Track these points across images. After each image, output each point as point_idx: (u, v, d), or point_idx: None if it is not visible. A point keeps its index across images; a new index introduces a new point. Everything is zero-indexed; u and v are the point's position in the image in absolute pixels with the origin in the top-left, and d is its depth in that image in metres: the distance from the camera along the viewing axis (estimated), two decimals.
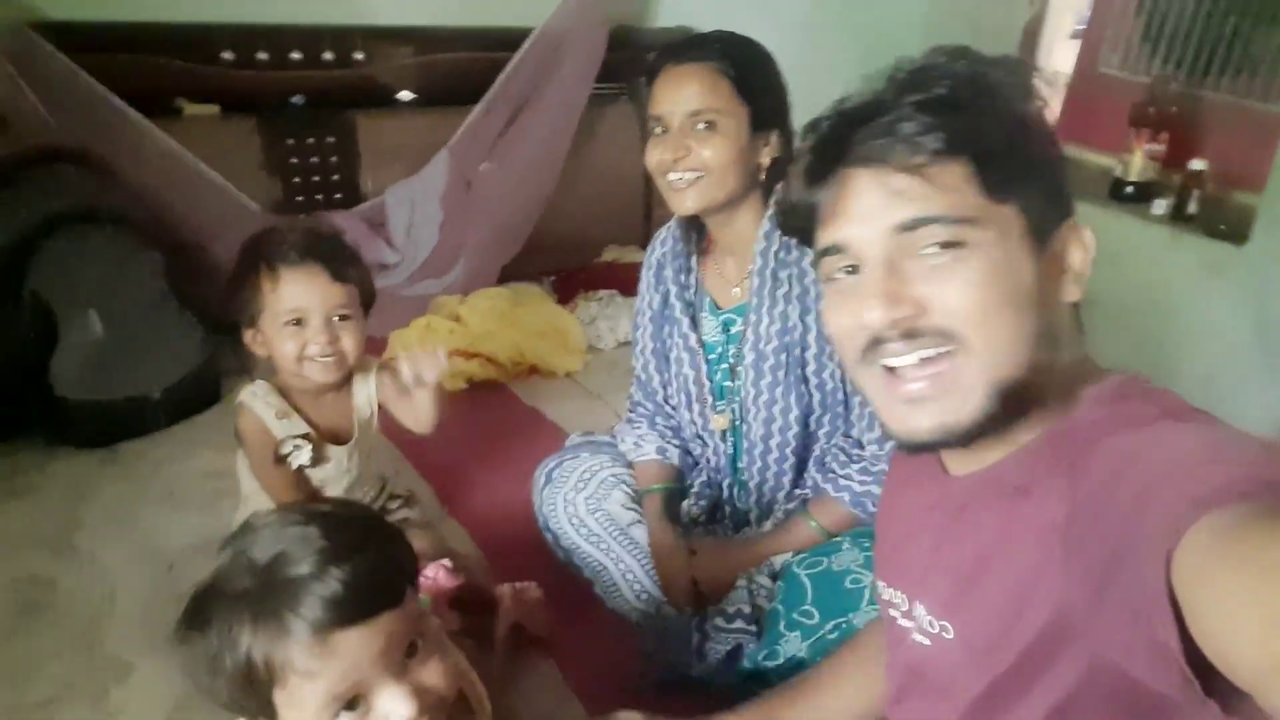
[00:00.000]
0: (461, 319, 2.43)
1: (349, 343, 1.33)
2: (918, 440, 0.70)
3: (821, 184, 0.71)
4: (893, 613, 0.83)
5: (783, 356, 1.34)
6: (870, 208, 0.68)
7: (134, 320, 1.98)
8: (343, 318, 1.32)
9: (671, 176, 1.29)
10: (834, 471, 1.35)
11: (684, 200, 1.30)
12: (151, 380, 1.99)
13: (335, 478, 1.43)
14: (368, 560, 0.70)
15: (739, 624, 1.29)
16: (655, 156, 1.30)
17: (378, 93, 2.78)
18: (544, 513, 1.54)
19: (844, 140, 0.69)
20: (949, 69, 0.68)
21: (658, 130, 1.30)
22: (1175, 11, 2.43)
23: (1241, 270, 2.01)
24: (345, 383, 1.42)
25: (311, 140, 2.63)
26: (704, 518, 1.50)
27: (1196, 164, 2.19)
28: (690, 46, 1.29)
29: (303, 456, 1.36)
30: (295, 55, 2.56)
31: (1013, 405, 0.67)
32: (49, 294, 1.88)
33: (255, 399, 1.35)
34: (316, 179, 2.66)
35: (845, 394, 1.36)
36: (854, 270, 0.71)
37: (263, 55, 2.52)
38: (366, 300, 1.38)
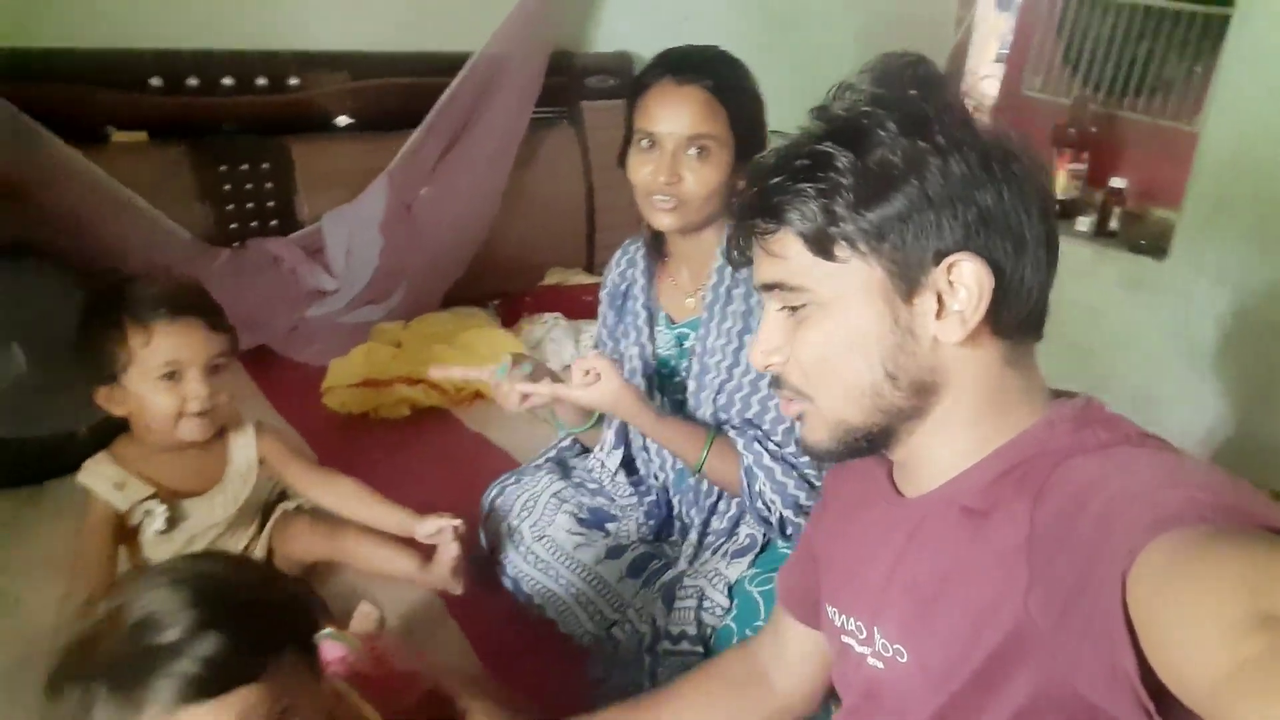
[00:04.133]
0: (403, 345, 2.41)
1: (223, 398, 1.31)
2: (809, 452, 0.78)
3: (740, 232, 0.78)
4: (846, 639, 0.82)
5: (732, 370, 1.36)
6: (757, 265, 0.76)
7: (59, 355, 1.89)
8: (217, 368, 1.30)
9: (656, 196, 1.29)
10: (757, 442, 1.33)
11: (663, 219, 1.31)
12: (77, 416, 1.91)
13: (201, 533, 1.39)
14: (235, 629, 0.67)
15: (684, 645, 1.29)
16: (643, 172, 1.29)
17: (314, 118, 2.74)
18: (488, 545, 1.53)
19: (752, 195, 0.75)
20: (812, 133, 0.70)
21: (645, 144, 1.30)
22: (1093, 35, 2.53)
23: (1163, 284, 2.09)
24: (215, 439, 1.39)
25: (245, 167, 2.57)
26: (651, 536, 1.50)
27: (1117, 182, 2.28)
28: (690, 66, 1.28)
29: (157, 522, 1.31)
30: (227, 81, 2.51)
31: (877, 441, 0.74)
32: None
33: (91, 476, 1.31)
34: (251, 206, 2.60)
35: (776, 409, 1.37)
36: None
37: (192, 81, 2.46)
38: (234, 348, 1.36)
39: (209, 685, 0.65)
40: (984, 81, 3.00)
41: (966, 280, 0.66)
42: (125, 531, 1.33)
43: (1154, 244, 2.14)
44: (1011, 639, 0.64)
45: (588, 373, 1.27)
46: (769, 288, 0.73)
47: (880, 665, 0.77)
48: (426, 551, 1.43)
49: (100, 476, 1.30)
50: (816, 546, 0.92)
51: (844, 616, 0.83)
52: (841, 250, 0.68)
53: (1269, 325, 1.88)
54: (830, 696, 0.99)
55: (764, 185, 0.71)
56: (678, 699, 1.02)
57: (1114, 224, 2.27)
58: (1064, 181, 2.42)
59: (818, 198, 0.67)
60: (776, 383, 0.76)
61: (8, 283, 1.86)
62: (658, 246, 1.46)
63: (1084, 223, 2.32)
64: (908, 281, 0.67)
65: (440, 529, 1.37)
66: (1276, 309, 1.87)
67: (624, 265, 1.52)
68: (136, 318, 1.23)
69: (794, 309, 0.72)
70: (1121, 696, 0.51)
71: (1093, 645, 0.53)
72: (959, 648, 0.68)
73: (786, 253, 0.70)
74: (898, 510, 0.77)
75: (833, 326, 0.70)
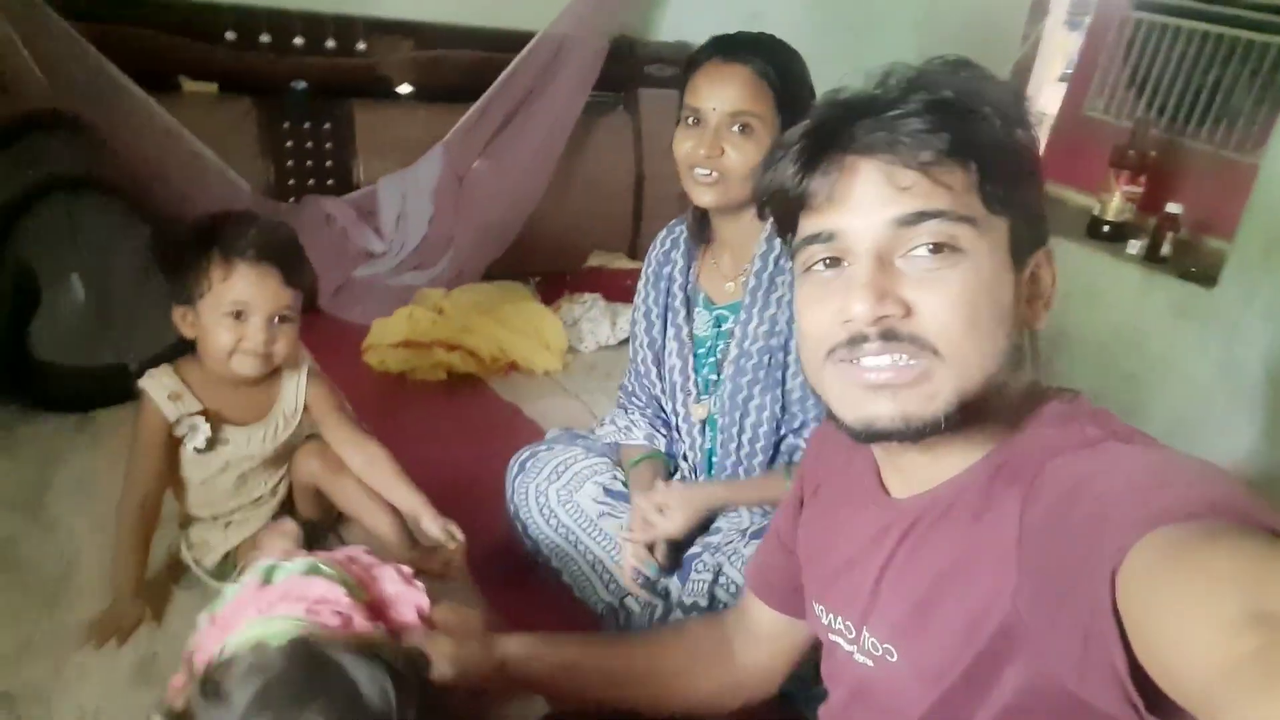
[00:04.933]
0: (444, 312, 2.45)
1: (283, 345, 1.36)
2: (873, 429, 0.67)
3: (815, 170, 0.68)
4: (834, 637, 0.82)
5: (765, 357, 1.37)
6: (870, 198, 0.66)
7: (117, 290, 1.98)
8: (283, 319, 1.34)
9: (698, 170, 1.31)
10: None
11: (704, 194, 1.33)
12: (130, 350, 1.98)
13: (235, 462, 1.43)
14: None
15: (695, 617, 1.31)
16: (686, 146, 1.32)
17: (377, 84, 2.81)
18: (514, 502, 1.55)
19: (844, 129, 0.67)
20: (952, 76, 0.67)
21: (691, 121, 1.32)
22: (1161, 60, 2.50)
23: (1210, 313, 2.06)
24: (270, 377, 1.43)
25: (308, 126, 2.64)
26: None
27: (1172, 207, 2.25)
28: (740, 46, 1.31)
29: (198, 438, 1.36)
30: (298, 41, 2.58)
31: (969, 417, 0.66)
32: (33, 258, 1.88)
33: (152, 381, 1.37)
34: (310, 164, 2.68)
35: (818, 406, 1.39)
36: (834, 263, 0.69)
37: (265, 38, 2.54)
38: (306, 305, 1.41)
39: None
40: (1044, 99, 2.97)
41: (1053, 271, 0.70)
42: (172, 443, 1.38)
43: (1204, 273, 2.11)
44: (1001, 636, 0.64)
45: (660, 510, 1.37)
46: (924, 216, 0.64)
47: (869, 664, 0.77)
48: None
49: (158, 384, 1.36)
50: (795, 542, 0.92)
51: (831, 615, 0.82)
52: (1001, 203, 0.66)
53: None
54: (802, 682, 1.01)
55: (947, 112, 0.65)
56: (644, 649, 1.05)
57: (1165, 249, 2.24)
58: (1118, 203, 2.39)
59: (1000, 141, 0.66)
60: (890, 335, 0.65)
61: (72, 217, 1.92)
62: (701, 231, 1.48)
63: (1135, 246, 2.29)
64: (1019, 258, 0.68)
65: (444, 533, 1.37)
66: None
67: (667, 245, 1.54)
68: (224, 252, 1.29)
69: (937, 249, 0.65)
70: (1111, 693, 0.51)
71: (1083, 642, 0.53)
72: (952, 648, 0.67)
73: (953, 184, 0.65)
74: (888, 512, 0.76)
75: (976, 276, 0.65)
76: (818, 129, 0.69)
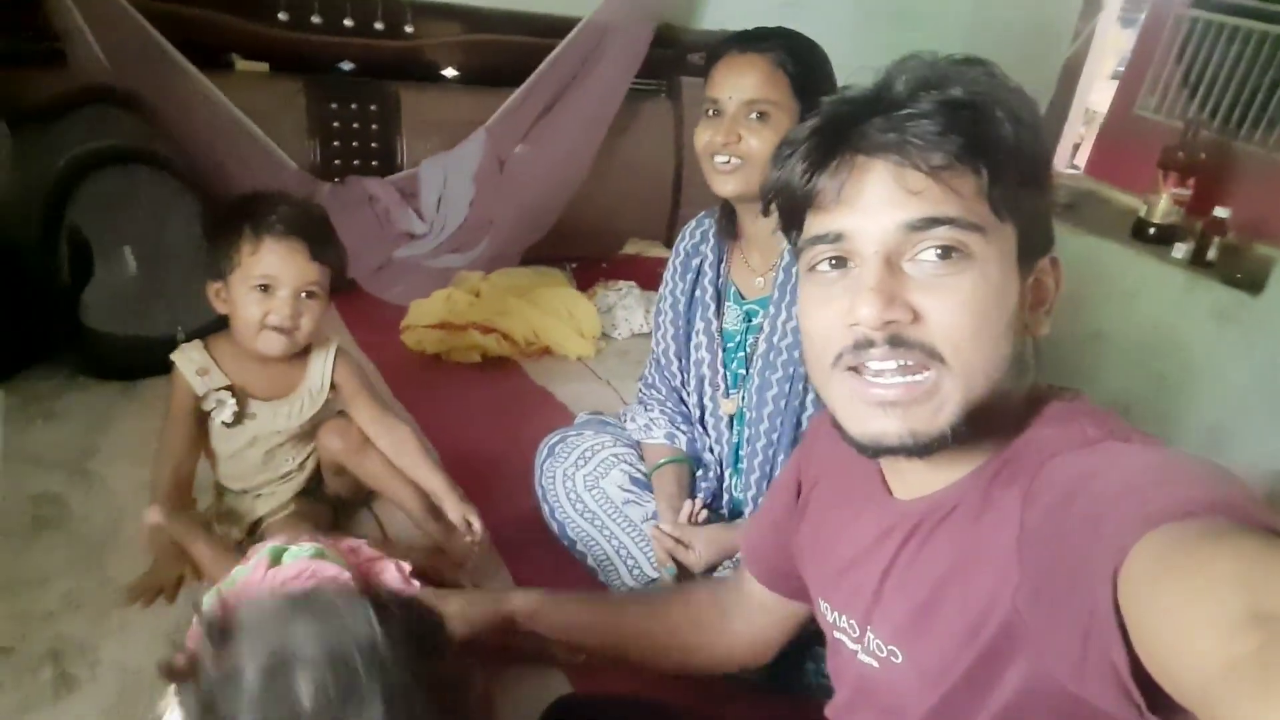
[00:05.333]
0: (481, 294, 2.48)
1: (308, 321, 1.38)
2: (881, 445, 0.67)
3: (824, 169, 0.68)
4: (839, 635, 0.82)
5: (795, 353, 1.38)
6: (879, 200, 0.65)
7: (166, 262, 2.03)
8: (309, 295, 1.37)
9: (718, 159, 1.34)
10: None
11: (725, 183, 1.35)
12: (177, 321, 2.03)
13: (263, 436, 1.47)
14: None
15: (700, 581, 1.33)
16: (705, 137, 1.35)
17: (423, 67, 2.84)
18: (542, 485, 1.58)
19: (853, 127, 0.67)
20: (964, 75, 0.66)
21: (710, 112, 1.35)
22: (1216, 61, 2.44)
23: (1254, 320, 2.02)
24: (299, 355, 1.46)
25: (355, 106, 2.69)
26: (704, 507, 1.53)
27: (1220, 211, 2.21)
28: (755, 38, 1.34)
29: (225, 412, 1.40)
30: (348, 22, 2.62)
31: (974, 427, 0.66)
32: (88, 228, 1.93)
33: (181, 356, 1.41)
34: (355, 144, 2.72)
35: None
36: (839, 263, 0.68)
37: (316, 19, 2.58)
38: (336, 284, 1.43)
39: None
40: (1095, 97, 2.92)
41: (1057, 277, 0.70)
42: (201, 415, 1.43)
43: (1250, 279, 2.07)
44: (1002, 636, 0.64)
45: (688, 546, 1.38)
46: (935, 222, 0.64)
47: (874, 664, 0.77)
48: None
49: (188, 358, 1.41)
50: (789, 530, 0.92)
51: (836, 613, 0.83)
52: (1009, 209, 0.66)
53: None
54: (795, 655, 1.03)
55: (958, 114, 0.64)
56: (644, 608, 1.09)
57: (1212, 254, 2.20)
58: (1165, 205, 2.35)
59: (1011, 145, 0.65)
60: (897, 341, 0.65)
61: (125, 189, 1.98)
62: (730, 227, 1.49)
63: (1180, 249, 2.25)
64: (1025, 264, 0.68)
65: (467, 520, 1.42)
66: None
67: (697, 238, 1.54)
68: (254, 227, 1.33)
69: (946, 253, 0.64)
70: (1112, 692, 0.51)
71: (1084, 641, 0.53)
72: (954, 649, 0.68)
73: (963, 190, 0.65)
74: (891, 514, 0.76)
75: (984, 283, 0.64)
76: (826, 126, 0.69)
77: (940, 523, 0.71)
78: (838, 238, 0.68)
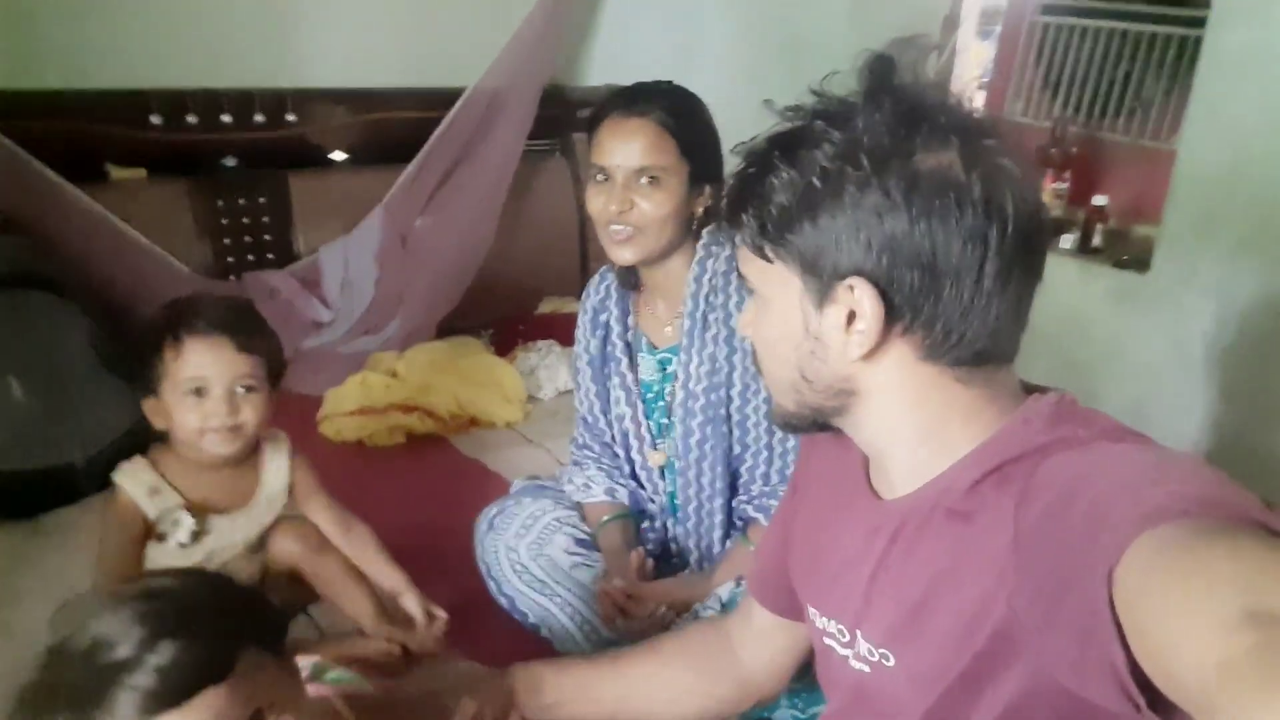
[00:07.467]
0: (399, 374, 2.43)
1: (250, 415, 1.30)
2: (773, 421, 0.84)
3: None
4: (829, 641, 0.83)
5: (712, 396, 1.38)
6: None
7: (59, 387, 1.93)
8: (247, 389, 1.29)
9: (613, 227, 1.32)
10: (761, 499, 1.37)
11: (623, 252, 1.34)
12: (76, 447, 1.93)
13: (219, 551, 1.38)
14: (189, 636, 0.66)
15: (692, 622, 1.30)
16: (598, 205, 1.33)
17: (311, 152, 2.79)
18: (485, 561, 1.53)
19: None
20: (753, 148, 0.74)
21: (600, 178, 1.33)
22: (1072, 60, 2.59)
23: (1149, 296, 2.12)
24: (249, 455, 1.39)
25: (243, 201, 2.62)
26: (653, 558, 1.51)
27: (1099, 199, 2.33)
28: (637, 99, 1.32)
29: (182, 533, 1.31)
30: (226, 118, 2.56)
31: (813, 424, 0.78)
32: None
33: (126, 477, 1.31)
34: (249, 239, 2.64)
35: (769, 432, 1.39)
36: None
37: (192, 119, 2.52)
38: (276, 371, 1.35)
39: (169, 694, 0.65)
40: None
41: (860, 303, 0.68)
42: (148, 537, 1.32)
43: (1136, 258, 2.18)
44: (998, 638, 0.64)
45: (634, 599, 1.36)
46: (740, 274, 0.80)
47: (866, 669, 0.77)
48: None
49: (135, 479, 1.30)
50: (790, 537, 0.92)
51: (825, 619, 0.83)
52: (770, 253, 0.72)
53: (1258, 334, 1.91)
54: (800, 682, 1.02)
55: (729, 187, 0.78)
56: (651, 656, 1.06)
57: (1097, 240, 2.31)
58: (1047, 200, 2.46)
59: (754, 208, 0.72)
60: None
61: (8, 317, 1.88)
62: (631, 279, 1.49)
63: (1068, 240, 2.36)
64: (817, 293, 0.70)
65: (424, 614, 1.37)
66: (1263, 317, 1.89)
67: (602, 293, 1.54)
68: (173, 331, 1.26)
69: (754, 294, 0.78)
70: (1110, 691, 0.51)
71: (1081, 641, 0.53)
72: (947, 651, 0.68)
73: (742, 245, 0.76)
74: (876, 513, 0.77)
75: (765, 319, 0.76)
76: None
77: (924, 522, 0.72)
78: None
